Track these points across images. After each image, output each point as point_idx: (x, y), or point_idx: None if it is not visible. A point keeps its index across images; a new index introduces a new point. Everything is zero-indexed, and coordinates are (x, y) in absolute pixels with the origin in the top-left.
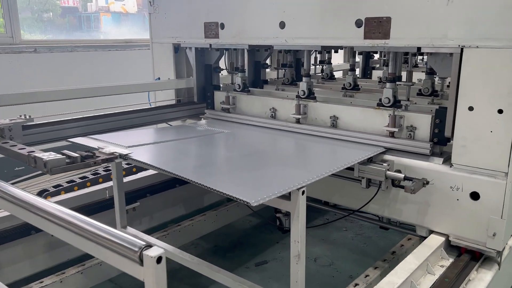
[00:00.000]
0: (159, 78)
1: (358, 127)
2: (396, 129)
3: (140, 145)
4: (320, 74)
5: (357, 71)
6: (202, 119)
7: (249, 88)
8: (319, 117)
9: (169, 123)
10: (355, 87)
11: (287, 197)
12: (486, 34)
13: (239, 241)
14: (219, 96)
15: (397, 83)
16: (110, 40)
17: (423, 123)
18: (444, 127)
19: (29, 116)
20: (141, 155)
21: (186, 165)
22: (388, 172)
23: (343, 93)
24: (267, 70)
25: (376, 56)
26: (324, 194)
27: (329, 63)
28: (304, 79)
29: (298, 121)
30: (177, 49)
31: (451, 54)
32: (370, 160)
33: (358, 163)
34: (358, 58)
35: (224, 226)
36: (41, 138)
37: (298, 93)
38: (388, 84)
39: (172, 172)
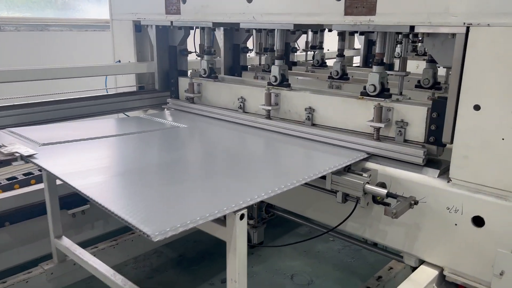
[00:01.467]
0: (119, 61)
1: (337, 122)
2: (382, 125)
3: (59, 143)
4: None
5: (358, 59)
6: (165, 109)
7: (217, 75)
8: (293, 108)
9: (126, 113)
10: (344, 77)
11: (222, 221)
12: (501, 7)
13: (208, 251)
14: (183, 83)
15: (388, 72)
16: (88, 20)
17: (416, 117)
18: (443, 121)
19: None
20: (49, 157)
21: (101, 174)
22: (368, 186)
23: (329, 83)
24: (249, 54)
25: None
26: (295, 205)
27: (321, 48)
28: (276, 62)
29: (268, 116)
30: (139, 27)
31: (453, 35)
32: (347, 169)
33: (332, 172)
34: (360, 44)
35: (195, 233)
36: None
37: (269, 79)
38: (374, 68)
39: (74, 187)
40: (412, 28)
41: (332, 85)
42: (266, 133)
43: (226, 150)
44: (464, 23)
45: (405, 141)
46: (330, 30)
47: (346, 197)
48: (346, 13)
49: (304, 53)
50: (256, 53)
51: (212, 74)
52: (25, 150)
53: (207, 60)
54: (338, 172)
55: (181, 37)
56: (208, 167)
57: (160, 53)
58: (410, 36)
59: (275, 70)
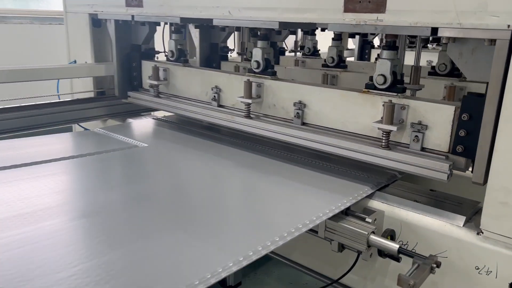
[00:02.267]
0: (75, 61)
1: (334, 122)
2: (393, 128)
3: None
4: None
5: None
6: (126, 120)
7: (188, 59)
8: (280, 102)
9: (81, 124)
10: (340, 64)
11: None
12: None
13: None
14: (148, 69)
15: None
16: (50, 12)
17: (439, 118)
18: (476, 126)
19: None
20: None
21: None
22: (374, 238)
23: (323, 73)
24: (230, 55)
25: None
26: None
27: (313, 34)
28: (259, 43)
29: (248, 113)
30: (98, 22)
31: (492, 41)
32: (345, 211)
33: (327, 219)
34: (354, 45)
35: None
36: None
37: (250, 65)
38: (384, 53)
39: None
40: (434, 30)
41: (327, 75)
42: (242, 154)
43: (193, 190)
44: (509, 26)
45: (423, 149)
46: (323, 30)
47: (343, 246)
48: (346, 10)
49: (293, 54)
50: (238, 53)
51: (181, 57)
52: None
53: (175, 40)
54: (334, 216)
55: (146, 34)
56: (169, 216)
57: (120, 53)
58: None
59: (257, 53)
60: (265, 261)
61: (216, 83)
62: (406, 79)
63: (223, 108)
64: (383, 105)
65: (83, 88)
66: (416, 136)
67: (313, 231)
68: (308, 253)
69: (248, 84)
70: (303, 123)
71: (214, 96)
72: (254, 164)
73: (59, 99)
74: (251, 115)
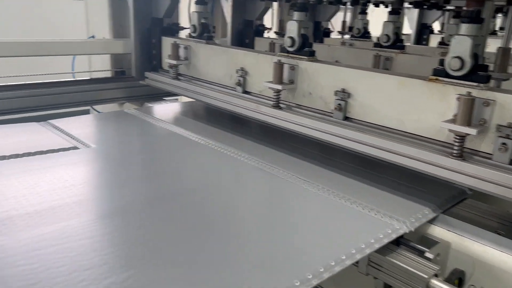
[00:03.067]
0: (93, 37)
1: (387, 118)
2: (472, 131)
3: None
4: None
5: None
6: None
7: (213, 35)
8: (316, 90)
9: (95, 107)
10: (397, 45)
11: None
12: None
13: None
14: (167, 46)
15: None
16: None
17: None
18: None
19: None
20: None
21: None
22: (436, 283)
23: (374, 54)
24: (268, 35)
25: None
26: None
27: (364, 12)
28: (295, 15)
29: (277, 102)
30: None
31: None
32: (397, 241)
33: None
34: (410, 29)
35: None
36: None
37: (284, 43)
38: (463, 28)
39: None
40: None
41: (379, 57)
42: (267, 152)
43: (208, 211)
44: None
45: None
46: (376, 5)
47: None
48: None
49: (340, 36)
50: (276, 33)
51: (204, 33)
52: None
53: (198, 12)
54: (381, 248)
55: (168, 5)
56: (181, 245)
57: (139, 28)
58: None
59: (292, 27)
60: None
61: (242, 65)
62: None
63: (249, 95)
64: (457, 98)
65: (101, 66)
66: (503, 144)
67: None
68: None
69: (279, 66)
70: (346, 118)
71: (239, 80)
72: (281, 165)
73: (74, 77)
74: (281, 105)
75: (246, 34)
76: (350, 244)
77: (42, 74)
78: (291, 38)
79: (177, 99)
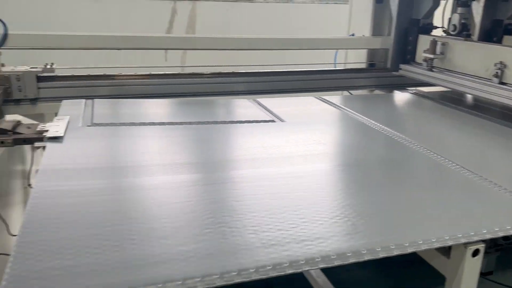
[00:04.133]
0: (353, 35)
1: None
2: None
3: (117, 125)
4: None
5: None
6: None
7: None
8: None
9: (350, 91)
10: None
11: (446, 251)
12: None
13: None
14: (424, 43)
15: None
16: None
17: None
18: None
19: (51, 65)
20: (79, 143)
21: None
22: None
23: None
24: None
25: None
26: None
27: None
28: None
29: None
30: None
31: None
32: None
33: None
34: None
35: None
36: (63, 94)
37: None
38: None
39: None
40: None
41: None
42: None
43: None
44: None
45: None
46: None
47: None
48: None
49: None
50: None
51: (463, 31)
52: (54, 130)
53: (460, 14)
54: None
55: (428, 8)
56: (432, 177)
57: (399, 27)
58: None
59: None
60: None
61: (501, 59)
62: None
63: (506, 86)
64: None
65: (356, 60)
66: None
67: None
68: None
69: None
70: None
71: (496, 73)
72: None
73: (335, 67)
74: None
75: (494, 33)
76: None
77: (306, 64)
78: None
79: (417, 90)
